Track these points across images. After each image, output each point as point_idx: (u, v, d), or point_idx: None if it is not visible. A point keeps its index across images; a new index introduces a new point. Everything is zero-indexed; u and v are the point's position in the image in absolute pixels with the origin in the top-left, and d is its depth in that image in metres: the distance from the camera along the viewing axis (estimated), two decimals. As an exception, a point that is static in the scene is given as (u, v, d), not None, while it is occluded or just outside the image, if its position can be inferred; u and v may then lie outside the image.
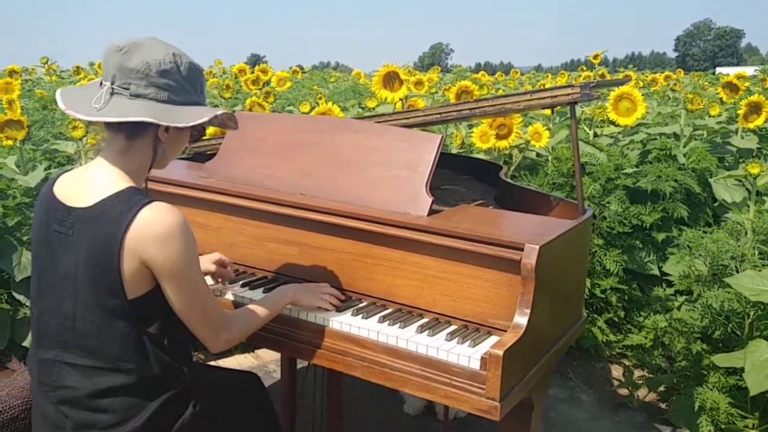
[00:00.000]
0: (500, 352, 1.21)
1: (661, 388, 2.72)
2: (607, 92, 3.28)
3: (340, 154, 1.69)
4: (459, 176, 2.31)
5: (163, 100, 1.25)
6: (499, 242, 1.36)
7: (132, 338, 1.24)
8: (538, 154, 3.51)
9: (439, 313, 1.47)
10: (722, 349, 2.48)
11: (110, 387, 1.24)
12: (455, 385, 1.28)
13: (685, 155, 3.45)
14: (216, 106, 3.98)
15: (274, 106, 4.42)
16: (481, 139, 2.79)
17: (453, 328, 1.42)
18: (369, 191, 1.61)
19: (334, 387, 1.97)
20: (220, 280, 1.65)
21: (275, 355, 3.00)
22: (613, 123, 3.03)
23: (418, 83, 3.43)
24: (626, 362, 3.04)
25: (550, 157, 3.33)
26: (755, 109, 3.37)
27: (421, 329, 1.39)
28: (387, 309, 1.51)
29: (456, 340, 1.34)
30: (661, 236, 3.16)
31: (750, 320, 2.36)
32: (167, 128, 1.28)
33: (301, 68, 10.82)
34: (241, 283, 1.64)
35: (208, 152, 2.21)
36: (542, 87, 3.93)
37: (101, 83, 1.26)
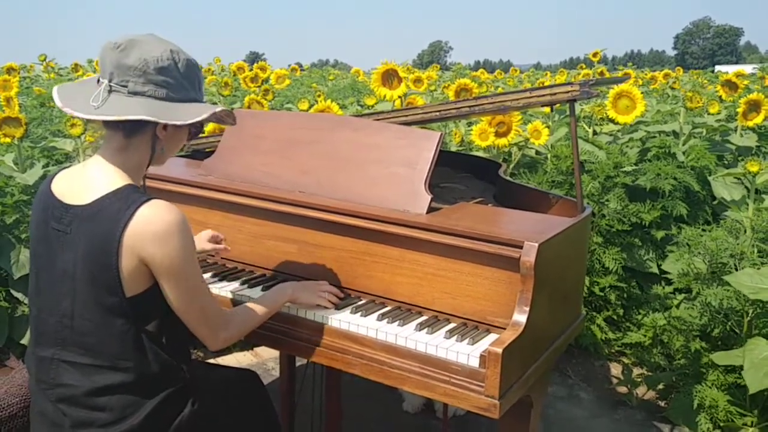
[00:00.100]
0: (499, 350, 1.21)
1: (660, 386, 2.72)
2: (606, 90, 3.28)
3: (339, 152, 1.69)
4: (458, 174, 2.31)
5: (162, 97, 1.24)
6: (498, 240, 1.36)
7: (130, 336, 1.24)
8: (537, 152, 3.50)
9: (438, 311, 1.46)
10: (721, 347, 2.49)
11: (108, 385, 1.24)
12: (454, 382, 1.28)
13: (684, 153, 3.45)
14: (215, 103, 3.97)
15: (273, 104, 4.41)
16: (481, 136, 2.79)
17: (452, 325, 1.42)
18: (368, 189, 1.61)
19: (333, 385, 1.97)
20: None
21: (274, 353, 3.00)
22: (612, 121, 3.03)
23: (417, 81, 3.42)
24: (625, 360, 3.05)
25: (549, 155, 3.32)
26: (754, 107, 3.37)
27: (420, 327, 1.39)
28: (386, 307, 1.51)
29: (455, 337, 1.34)
30: (660, 234, 3.16)
31: (749, 318, 2.37)
32: (165, 126, 1.27)
33: (300, 66, 10.80)
34: (239, 281, 1.64)
35: (207, 149, 2.21)
36: (541, 85, 3.92)
37: (98, 80, 1.25)
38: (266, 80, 4.86)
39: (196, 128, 1.38)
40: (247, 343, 3.05)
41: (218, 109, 1.29)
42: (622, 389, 2.81)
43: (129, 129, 1.25)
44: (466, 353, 1.28)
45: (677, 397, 2.50)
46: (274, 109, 4.13)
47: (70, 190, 1.27)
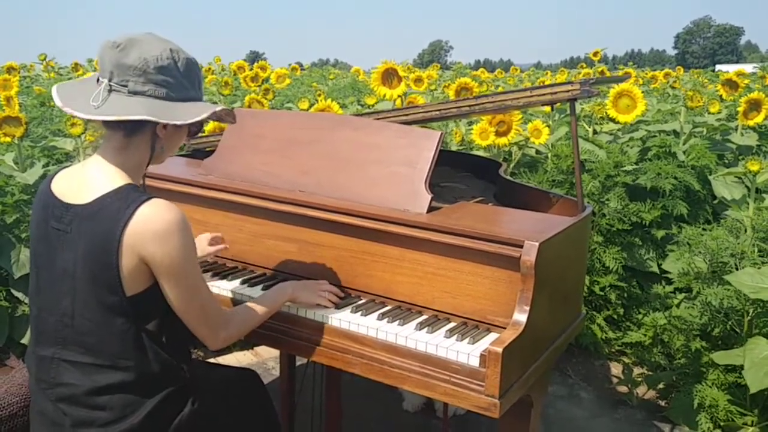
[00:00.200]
0: (499, 349, 1.21)
1: (661, 386, 2.72)
2: (606, 89, 3.27)
3: (339, 151, 1.69)
4: (458, 173, 2.30)
5: (162, 96, 1.24)
6: (498, 239, 1.36)
7: (131, 335, 1.24)
8: (537, 151, 3.50)
9: (438, 310, 1.46)
10: (721, 346, 2.48)
11: (108, 384, 1.24)
12: (454, 382, 1.28)
13: (684, 152, 3.44)
14: (215, 102, 3.97)
15: (273, 103, 4.41)
16: (481, 136, 2.79)
17: (452, 325, 1.42)
18: (368, 188, 1.61)
19: (333, 384, 1.97)
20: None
21: (274, 353, 3.00)
22: (612, 120, 3.03)
23: (418, 80, 3.42)
24: (625, 360, 3.05)
25: (549, 154, 3.32)
26: (755, 106, 3.37)
27: (421, 326, 1.39)
28: (386, 306, 1.51)
29: (455, 337, 1.34)
30: (660, 233, 3.16)
31: (749, 318, 2.36)
32: (165, 125, 1.27)
33: (300, 65, 10.79)
34: (240, 280, 1.64)
35: (207, 149, 2.21)
36: (542, 84, 3.92)
37: (98, 80, 1.25)
38: (266, 79, 4.86)
39: (196, 127, 1.38)
40: (247, 342, 3.05)
41: (218, 108, 1.29)
42: (623, 389, 2.81)
43: (129, 128, 1.25)
44: (467, 352, 1.27)
45: (677, 397, 2.50)
46: (275, 109, 4.13)
47: (70, 190, 1.27)
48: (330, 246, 1.59)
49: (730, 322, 2.43)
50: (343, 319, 1.43)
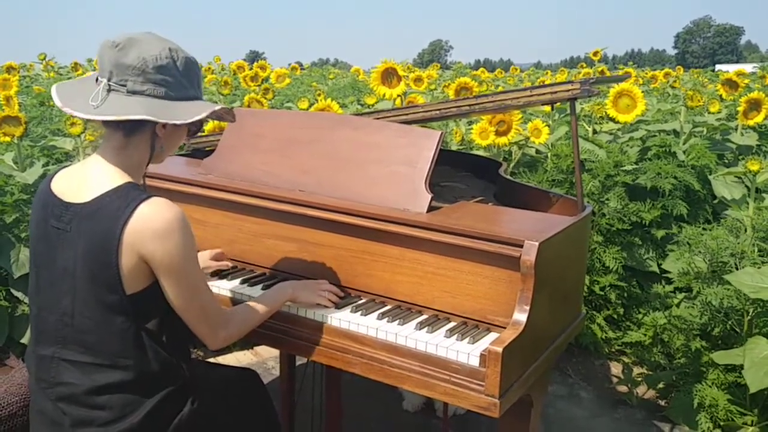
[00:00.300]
0: (499, 349, 1.21)
1: (661, 385, 2.72)
2: (606, 89, 3.27)
3: (339, 151, 1.69)
4: (458, 173, 2.30)
5: (161, 96, 1.24)
6: (498, 239, 1.36)
7: (131, 334, 1.24)
8: (537, 151, 3.50)
9: (438, 310, 1.46)
10: (721, 346, 2.48)
11: (108, 383, 1.24)
12: (454, 381, 1.28)
13: (684, 152, 3.44)
14: (215, 102, 3.96)
15: (273, 103, 4.41)
16: (481, 135, 2.78)
17: (452, 324, 1.41)
18: (368, 188, 1.61)
19: (333, 384, 1.97)
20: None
21: (274, 352, 3.00)
22: (612, 120, 3.02)
23: (418, 80, 3.42)
24: (625, 359, 3.05)
25: (549, 154, 3.32)
26: (755, 106, 3.36)
27: (420, 326, 1.39)
28: (386, 306, 1.51)
29: (455, 336, 1.34)
30: (660, 233, 3.16)
31: (749, 317, 2.36)
32: (165, 124, 1.27)
33: (300, 65, 10.79)
34: (239, 279, 1.63)
35: (207, 148, 2.21)
36: (542, 83, 3.92)
37: (97, 79, 1.25)
38: (266, 79, 4.86)
39: (196, 126, 1.38)
40: (247, 342, 3.05)
41: (218, 107, 1.29)
42: (623, 388, 2.81)
43: (128, 128, 1.25)
44: (467, 352, 1.27)
45: (677, 396, 2.50)
46: (274, 108, 4.13)
47: (69, 189, 1.27)
48: (330, 245, 1.58)
49: (730, 322, 2.43)
50: (343, 319, 1.43)
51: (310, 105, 3.71)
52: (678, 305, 2.89)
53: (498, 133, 2.79)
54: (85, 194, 1.24)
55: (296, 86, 7.05)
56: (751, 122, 3.38)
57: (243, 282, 1.62)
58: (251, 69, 5.03)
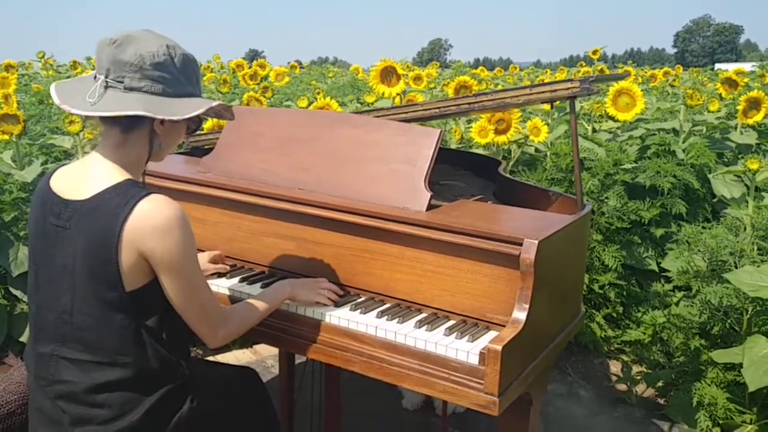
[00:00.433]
0: (499, 347, 1.21)
1: (660, 384, 2.72)
2: (605, 87, 3.27)
3: (338, 149, 1.69)
4: (458, 171, 2.30)
5: (158, 92, 1.24)
6: (498, 237, 1.36)
7: (130, 331, 1.24)
8: (536, 150, 3.50)
9: (437, 308, 1.46)
10: (720, 344, 2.48)
11: (107, 381, 1.23)
12: (454, 380, 1.28)
13: (684, 151, 3.44)
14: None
15: (272, 102, 4.41)
16: (480, 134, 2.78)
17: (451, 323, 1.41)
18: (367, 186, 1.60)
19: (333, 382, 1.97)
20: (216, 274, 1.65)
21: (273, 351, 3.00)
22: (612, 118, 3.02)
23: (417, 78, 3.41)
24: (625, 358, 3.05)
25: (548, 153, 3.32)
26: (754, 104, 3.36)
27: (420, 324, 1.39)
28: (385, 304, 1.51)
29: (455, 335, 1.34)
30: (659, 232, 3.16)
31: (748, 316, 2.36)
32: (163, 121, 1.27)
33: (300, 63, 10.78)
34: (239, 278, 1.63)
35: (206, 147, 2.20)
36: (541, 82, 3.92)
37: (95, 77, 1.25)
38: (265, 78, 4.86)
39: (195, 124, 1.37)
40: (247, 340, 3.05)
41: (215, 103, 1.29)
42: (622, 387, 2.81)
43: (126, 125, 1.25)
44: (466, 350, 1.27)
45: (676, 395, 2.50)
46: (273, 107, 4.12)
47: (68, 186, 1.27)
48: (329, 244, 1.58)
49: (729, 321, 2.43)
50: (342, 317, 1.43)
51: (310, 103, 3.71)
52: (677, 304, 2.89)
53: (497, 132, 2.78)
54: (84, 191, 1.24)
55: (295, 85, 7.04)
56: (750, 121, 3.38)
57: (242, 280, 1.62)
58: (250, 67, 5.03)
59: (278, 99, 5.31)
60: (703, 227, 2.63)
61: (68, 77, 6.78)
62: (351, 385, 2.17)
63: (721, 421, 2.29)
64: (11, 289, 2.44)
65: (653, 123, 3.98)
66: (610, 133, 3.75)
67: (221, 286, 1.59)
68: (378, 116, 1.84)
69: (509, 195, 1.94)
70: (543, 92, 1.62)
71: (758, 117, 3.34)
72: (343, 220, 1.54)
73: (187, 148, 2.29)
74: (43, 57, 7.04)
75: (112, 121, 1.24)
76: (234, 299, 1.55)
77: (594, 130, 3.73)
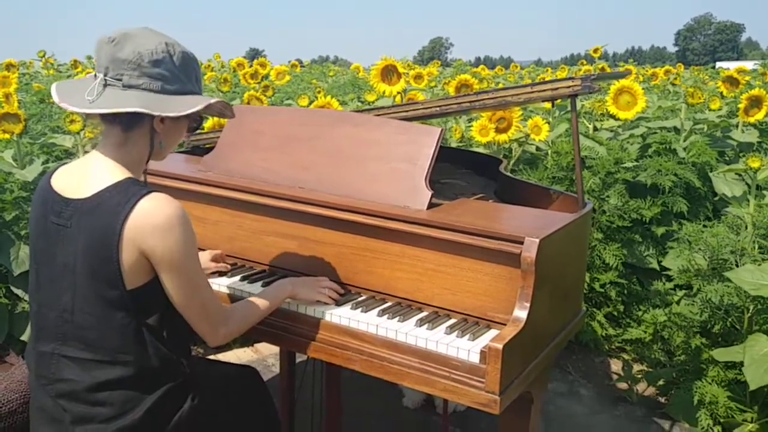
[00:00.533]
0: (500, 346, 1.21)
1: (661, 382, 2.72)
2: (607, 86, 3.27)
3: (339, 148, 1.69)
4: (459, 170, 2.30)
5: (156, 90, 1.24)
6: (499, 236, 1.36)
7: (131, 330, 1.24)
8: (537, 148, 3.50)
9: (438, 307, 1.46)
10: (721, 343, 2.48)
11: (108, 380, 1.24)
12: (454, 378, 1.28)
13: (685, 149, 3.44)
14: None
15: (273, 100, 4.40)
16: (481, 132, 2.78)
17: (452, 321, 1.41)
18: (368, 185, 1.60)
19: (333, 380, 1.97)
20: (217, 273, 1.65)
21: (274, 349, 3.00)
22: (613, 117, 3.02)
23: (418, 77, 3.41)
24: (625, 356, 3.05)
25: (549, 151, 3.32)
26: (756, 103, 3.36)
27: (421, 323, 1.39)
28: (386, 302, 1.51)
29: (455, 333, 1.34)
30: (660, 230, 3.16)
31: (749, 314, 2.36)
32: (163, 119, 1.27)
33: (300, 62, 10.77)
34: (239, 276, 1.63)
35: (206, 146, 2.21)
36: (542, 80, 3.91)
37: (95, 76, 1.25)
38: (266, 76, 4.86)
39: (196, 122, 1.37)
40: (248, 339, 3.05)
41: (213, 100, 1.29)
42: (623, 385, 2.81)
43: (126, 123, 1.25)
44: (467, 349, 1.27)
45: (677, 393, 2.50)
46: (274, 106, 4.12)
47: (69, 185, 1.27)
48: (330, 242, 1.58)
49: (730, 319, 2.43)
50: (343, 316, 1.43)
51: (310, 102, 3.70)
52: (678, 302, 2.89)
53: (498, 130, 2.78)
54: (85, 190, 1.24)
55: (296, 83, 7.04)
56: (751, 119, 3.38)
57: (243, 279, 1.62)
58: (251, 66, 5.03)
59: (279, 98, 5.31)
60: (704, 226, 2.62)
61: (69, 76, 6.79)
62: (352, 384, 2.17)
63: (722, 420, 2.29)
64: (12, 288, 2.44)
65: (654, 121, 3.98)
66: (611, 131, 3.74)
67: (222, 284, 1.60)
68: (379, 115, 1.83)
69: (510, 194, 1.94)
70: (544, 90, 1.62)
71: (759, 115, 3.34)
72: (344, 219, 1.54)
73: (187, 147, 2.29)
74: (43, 56, 7.04)
75: (112, 119, 1.24)
76: (235, 298, 1.55)
77: (595, 129, 3.73)
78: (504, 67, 11.09)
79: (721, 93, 3.90)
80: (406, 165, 1.59)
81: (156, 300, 1.26)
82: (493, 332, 1.36)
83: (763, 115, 3.33)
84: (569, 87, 1.58)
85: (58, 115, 3.94)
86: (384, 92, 2.64)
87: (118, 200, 1.21)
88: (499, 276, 1.37)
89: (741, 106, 3.39)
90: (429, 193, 1.54)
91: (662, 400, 2.69)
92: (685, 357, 2.60)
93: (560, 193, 1.84)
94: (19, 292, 2.44)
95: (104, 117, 1.25)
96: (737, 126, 3.79)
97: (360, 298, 1.53)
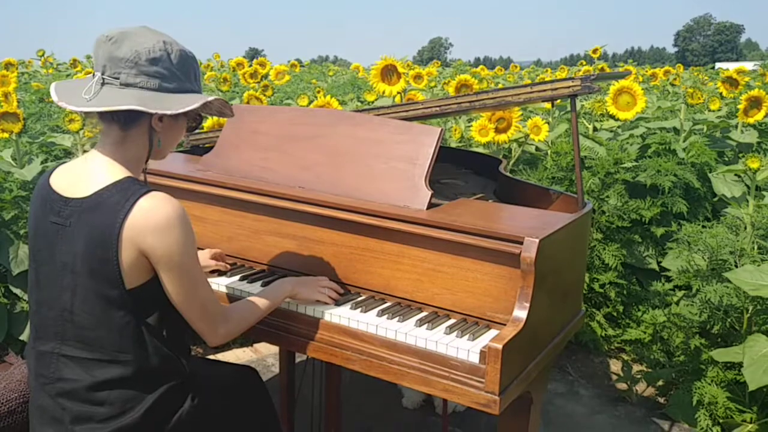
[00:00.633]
0: (499, 346, 1.21)
1: (660, 383, 2.72)
2: (606, 86, 3.27)
3: (338, 147, 1.68)
4: (458, 170, 2.30)
5: (154, 88, 1.23)
6: (498, 236, 1.36)
7: (130, 329, 1.24)
8: (537, 148, 3.50)
9: (438, 307, 1.46)
10: (721, 343, 2.48)
11: (108, 379, 1.23)
12: (454, 378, 1.28)
13: (684, 150, 3.44)
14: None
15: (272, 100, 4.40)
16: (480, 132, 2.78)
17: (452, 321, 1.41)
18: (368, 184, 1.60)
19: (333, 381, 1.97)
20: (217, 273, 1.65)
21: (274, 349, 3.00)
22: (612, 117, 3.02)
23: (418, 77, 3.41)
24: (625, 357, 3.05)
25: (549, 151, 3.32)
26: (755, 103, 3.36)
27: (420, 323, 1.39)
28: (386, 302, 1.51)
29: (455, 333, 1.34)
30: (660, 231, 3.16)
31: (749, 315, 2.36)
32: (161, 117, 1.27)
33: (300, 62, 10.77)
34: (239, 276, 1.63)
35: (206, 145, 2.20)
36: (542, 81, 3.91)
37: (94, 75, 1.25)
38: (265, 76, 4.86)
39: (195, 121, 1.37)
40: (247, 339, 3.05)
41: (211, 98, 1.28)
42: (622, 386, 2.81)
43: (124, 121, 1.25)
44: (466, 349, 1.27)
45: (677, 394, 2.50)
46: (274, 105, 4.12)
47: (68, 184, 1.27)
48: (329, 242, 1.58)
49: (729, 320, 2.43)
50: (342, 316, 1.43)
51: (310, 102, 3.70)
52: (677, 303, 2.89)
53: (498, 131, 2.78)
54: (84, 189, 1.24)
55: (296, 83, 7.04)
56: (751, 120, 3.38)
57: (242, 278, 1.62)
58: (251, 66, 5.03)
59: (278, 97, 5.31)
60: (704, 226, 2.63)
61: (68, 75, 6.78)
62: (351, 384, 2.17)
63: (721, 420, 2.29)
64: (11, 288, 2.44)
65: (654, 122, 3.98)
66: (611, 131, 3.74)
67: (221, 284, 1.59)
68: (378, 114, 1.83)
69: (510, 194, 1.94)
70: (544, 90, 1.62)
71: (759, 116, 3.34)
72: (344, 219, 1.54)
73: (187, 147, 2.29)
74: (43, 55, 7.04)
75: (111, 118, 1.24)
76: (234, 297, 1.55)
77: (595, 129, 3.73)
78: (504, 67, 11.09)
79: (721, 93, 3.90)
80: (405, 165, 1.58)
81: (155, 299, 1.26)
82: (492, 332, 1.36)
83: (763, 115, 3.33)
84: (569, 87, 1.58)
85: (57, 115, 3.93)
86: (384, 92, 2.64)
87: (117, 199, 1.20)
88: (498, 276, 1.37)
89: (740, 106, 3.39)
90: (429, 193, 1.53)
91: (662, 400, 2.70)
92: (684, 357, 2.60)
93: (560, 193, 1.84)
94: (18, 291, 2.44)
95: (102, 115, 1.24)
96: (737, 127, 3.79)
97: (359, 298, 1.52)
